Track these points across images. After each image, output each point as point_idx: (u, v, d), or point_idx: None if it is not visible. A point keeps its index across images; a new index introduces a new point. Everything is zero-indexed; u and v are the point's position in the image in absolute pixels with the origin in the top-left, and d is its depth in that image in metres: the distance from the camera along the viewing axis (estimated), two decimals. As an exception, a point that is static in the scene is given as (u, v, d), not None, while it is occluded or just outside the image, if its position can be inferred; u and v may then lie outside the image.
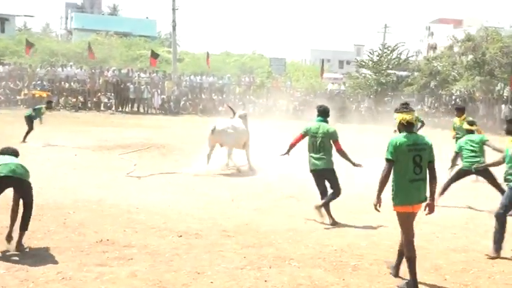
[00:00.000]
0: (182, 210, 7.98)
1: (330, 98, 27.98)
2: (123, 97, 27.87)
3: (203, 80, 30.51)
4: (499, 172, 7.42)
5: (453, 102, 29.76)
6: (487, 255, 6.27)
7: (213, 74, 31.44)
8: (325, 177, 7.59)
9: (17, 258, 5.65)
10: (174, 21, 32.51)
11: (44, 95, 24.56)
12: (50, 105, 15.09)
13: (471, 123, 9.29)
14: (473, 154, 8.66)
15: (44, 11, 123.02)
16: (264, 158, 11.61)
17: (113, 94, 27.81)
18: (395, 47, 32.76)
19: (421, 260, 5.72)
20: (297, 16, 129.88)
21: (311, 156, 7.56)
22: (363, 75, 33.14)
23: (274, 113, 26.19)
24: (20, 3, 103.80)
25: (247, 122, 12.11)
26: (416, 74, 30.68)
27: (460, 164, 8.96)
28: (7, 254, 5.72)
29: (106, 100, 27.64)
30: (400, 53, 32.66)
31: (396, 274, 5.52)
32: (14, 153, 6.16)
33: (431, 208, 5.24)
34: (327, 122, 7.65)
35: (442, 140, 11.19)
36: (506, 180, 6.40)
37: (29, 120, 14.40)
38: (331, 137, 7.49)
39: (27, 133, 14.27)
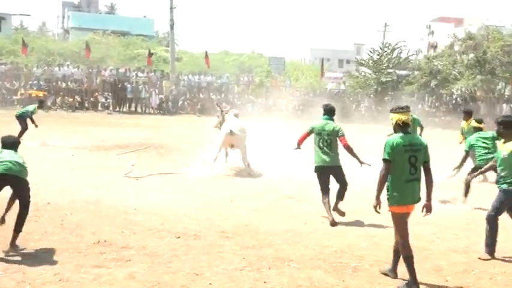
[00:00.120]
0: (180, 211, 7.93)
1: (330, 98, 27.86)
2: (120, 97, 27.80)
3: (201, 79, 30.45)
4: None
5: (454, 101, 29.77)
6: (479, 258, 6.21)
7: (211, 73, 31.37)
8: (331, 174, 7.65)
9: (13, 259, 5.60)
10: (172, 20, 32.43)
11: (41, 94, 24.45)
12: (41, 105, 15.00)
13: (479, 121, 9.26)
14: (486, 151, 8.62)
15: (40, 9, 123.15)
16: (264, 158, 11.54)
17: (110, 94, 27.73)
18: (395, 46, 32.63)
19: (421, 261, 5.69)
20: (296, 15, 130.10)
21: (318, 153, 7.57)
22: (363, 74, 33.05)
23: (274, 113, 26.10)
24: (16, 2, 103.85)
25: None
26: (416, 73, 30.65)
27: (471, 163, 8.90)
28: (4, 255, 5.66)
29: (103, 100, 27.56)
30: (401, 52, 32.58)
31: (395, 275, 5.47)
32: (14, 144, 6.05)
33: (428, 209, 5.24)
34: (333, 120, 7.70)
35: (442, 140, 11.16)
36: (497, 182, 6.35)
37: (22, 119, 14.28)
38: (338, 133, 7.53)
39: (22, 132, 14.15)
